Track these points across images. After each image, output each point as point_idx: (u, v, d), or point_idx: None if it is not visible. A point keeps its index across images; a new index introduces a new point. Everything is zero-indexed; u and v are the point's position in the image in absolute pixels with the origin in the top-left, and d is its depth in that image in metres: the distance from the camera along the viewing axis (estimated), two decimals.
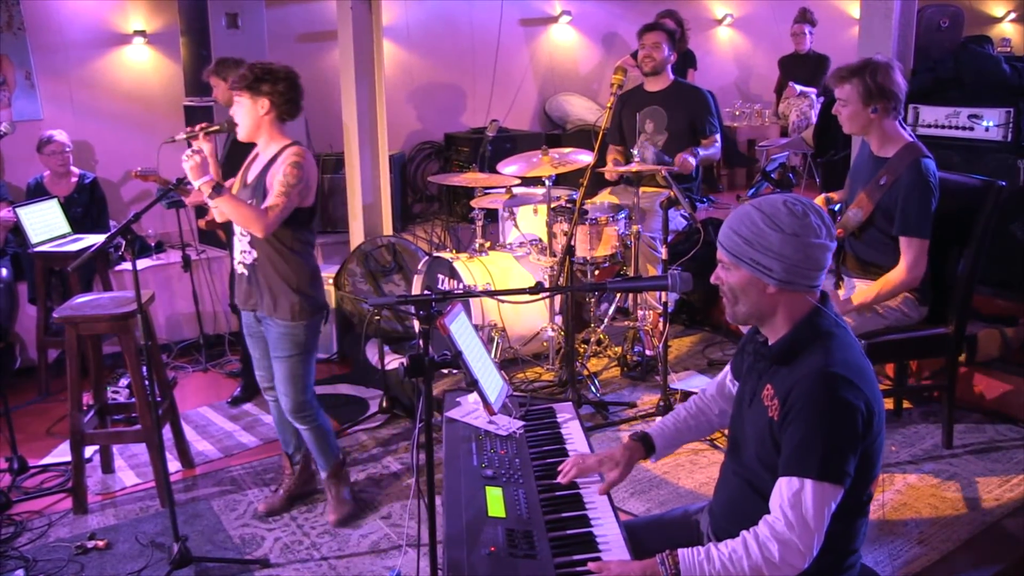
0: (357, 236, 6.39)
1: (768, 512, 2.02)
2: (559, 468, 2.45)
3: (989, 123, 4.94)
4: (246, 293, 3.73)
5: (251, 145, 3.77)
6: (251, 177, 3.65)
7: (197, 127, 3.61)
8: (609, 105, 4.69)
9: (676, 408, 2.61)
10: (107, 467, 4.50)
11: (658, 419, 2.61)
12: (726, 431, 2.60)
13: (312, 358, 3.81)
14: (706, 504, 2.50)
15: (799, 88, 8.29)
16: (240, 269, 3.72)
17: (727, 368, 2.53)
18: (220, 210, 3.56)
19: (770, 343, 2.19)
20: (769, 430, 2.09)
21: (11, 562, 3.69)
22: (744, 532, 2.03)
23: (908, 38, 4.88)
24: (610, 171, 5.41)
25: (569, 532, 2.24)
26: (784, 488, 1.99)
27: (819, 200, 3.85)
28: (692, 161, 5.26)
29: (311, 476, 4.15)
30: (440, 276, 5.27)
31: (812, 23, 8.35)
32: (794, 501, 1.96)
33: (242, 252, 3.68)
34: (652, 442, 2.52)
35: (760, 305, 2.14)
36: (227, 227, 4.78)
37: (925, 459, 4.15)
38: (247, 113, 3.59)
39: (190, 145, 3.57)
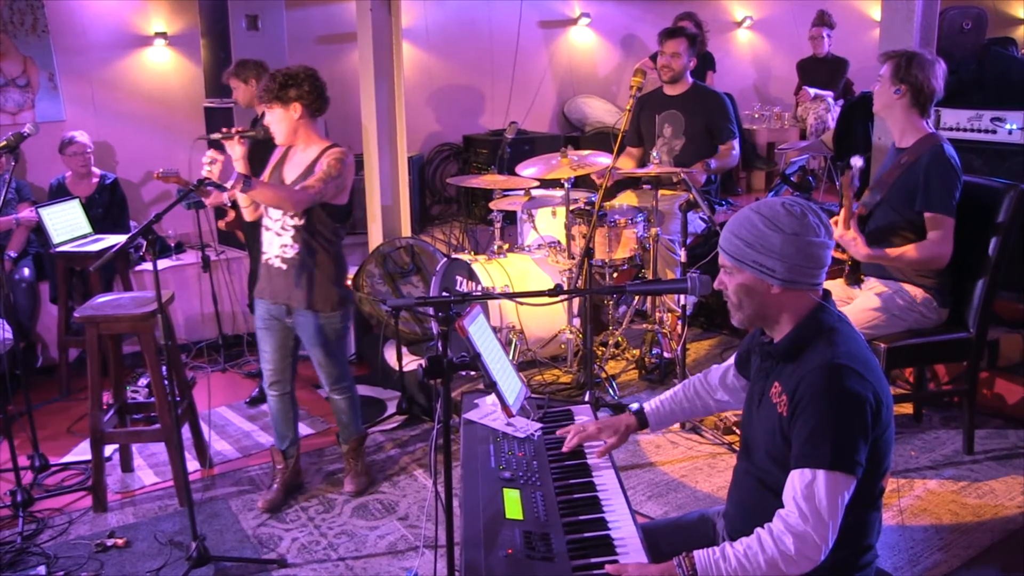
0: (376, 237, 6.40)
1: (782, 507, 2.03)
2: (560, 432, 2.61)
3: (1012, 126, 4.90)
4: (281, 287, 3.86)
5: (272, 145, 3.88)
6: (291, 177, 3.80)
7: (233, 130, 3.71)
8: (628, 108, 4.68)
9: (675, 388, 2.68)
10: (126, 466, 4.53)
11: (658, 397, 2.71)
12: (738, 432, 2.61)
13: (346, 343, 4.10)
14: (723, 507, 2.50)
15: (813, 92, 8.25)
16: (277, 264, 3.85)
17: (731, 360, 2.56)
18: (259, 200, 3.68)
19: (775, 341, 2.21)
20: (779, 426, 2.11)
21: (33, 558, 3.72)
22: (758, 528, 2.04)
23: (930, 40, 4.84)
24: (621, 172, 5.37)
25: (587, 535, 2.23)
26: (796, 480, 2.00)
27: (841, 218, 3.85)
28: (700, 179, 5.24)
29: (300, 468, 4.29)
30: (458, 278, 5.28)
31: (831, 26, 8.31)
32: (807, 493, 1.98)
33: (282, 247, 3.82)
34: (645, 417, 2.65)
35: (765, 306, 2.17)
36: (249, 228, 4.83)
37: (945, 465, 4.12)
38: (282, 121, 3.75)
39: (219, 146, 3.68)
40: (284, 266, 3.83)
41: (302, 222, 3.76)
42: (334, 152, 3.77)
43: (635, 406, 2.70)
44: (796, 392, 2.06)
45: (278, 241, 3.82)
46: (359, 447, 4.24)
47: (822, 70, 8.37)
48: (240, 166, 3.72)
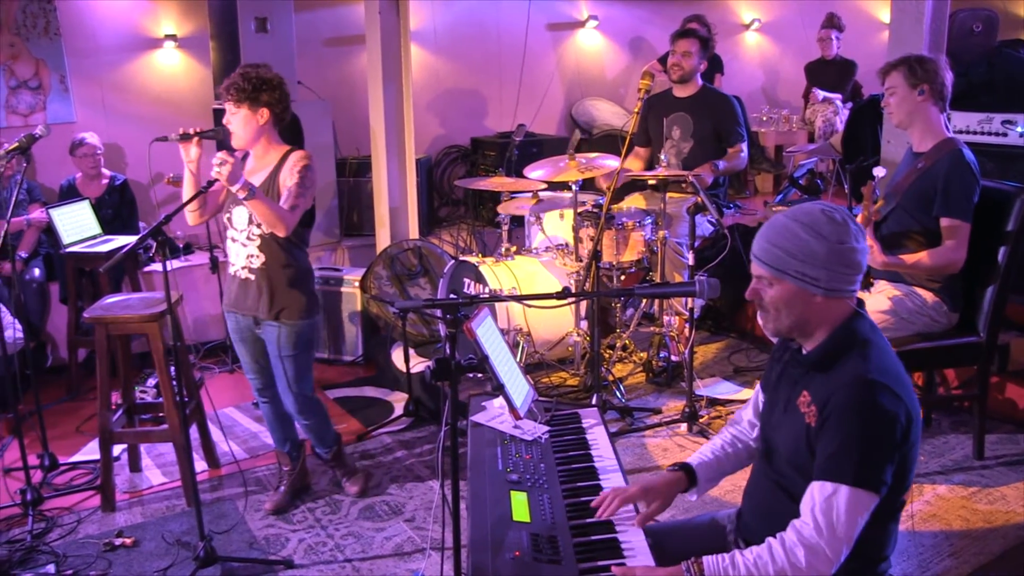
0: (383, 239, 6.41)
1: (798, 516, 2.01)
2: (593, 504, 2.34)
3: (1023, 129, 4.89)
4: (248, 298, 3.78)
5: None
6: (255, 183, 3.62)
7: (192, 130, 3.60)
8: (636, 110, 4.68)
9: (711, 439, 2.56)
10: (135, 466, 4.54)
11: (698, 449, 2.54)
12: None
13: (313, 354, 3.96)
14: (733, 511, 2.48)
15: (822, 94, 8.24)
16: (244, 275, 3.77)
17: (757, 389, 2.47)
18: (255, 212, 3.58)
19: (805, 350, 2.17)
20: (805, 436, 2.07)
21: (42, 557, 3.74)
22: (770, 538, 2.02)
23: (940, 43, 4.82)
24: (630, 175, 5.36)
25: (594, 537, 2.24)
26: (816, 492, 1.97)
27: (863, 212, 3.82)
28: (707, 181, 5.23)
29: (306, 470, 4.27)
30: (466, 280, 5.27)
31: (839, 28, 8.29)
32: (825, 506, 1.95)
33: (248, 257, 3.73)
34: (694, 473, 2.43)
35: (806, 316, 2.11)
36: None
37: (955, 470, 4.10)
38: (246, 123, 3.64)
39: (228, 146, 3.62)
40: (252, 276, 3.74)
41: (268, 231, 3.65)
42: (299, 160, 3.67)
43: (679, 462, 2.50)
44: (827, 404, 2.01)
45: (244, 252, 3.74)
46: (340, 451, 4.23)
47: (830, 72, 8.36)
48: (191, 169, 3.64)
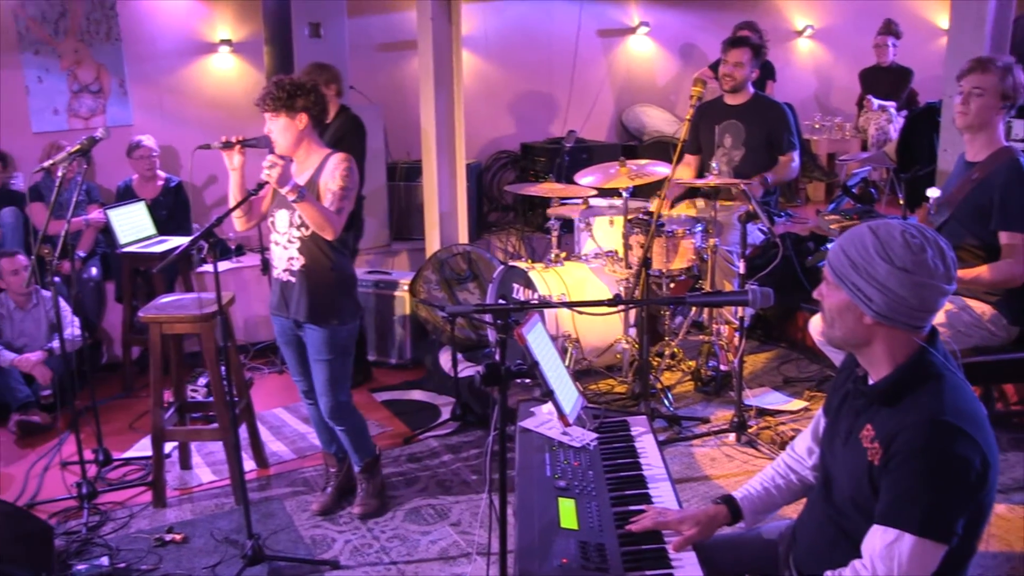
0: (433, 244, 6.44)
1: (858, 556, 1.91)
2: (633, 519, 2.30)
3: None
4: (290, 301, 3.80)
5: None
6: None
7: (234, 138, 3.64)
8: (688, 117, 4.64)
9: (763, 469, 2.47)
10: (185, 463, 4.60)
11: (747, 482, 2.46)
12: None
13: (351, 360, 3.94)
14: (783, 528, 2.41)
15: (876, 102, 8.12)
16: (285, 277, 3.79)
17: (818, 414, 2.37)
18: (303, 214, 3.61)
19: (871, 380, 2.06)
20: (867, 474, 1.95)
21: (97, 549, 3.82)
22: (828, 573, 1.95)
23: (1002, 47, 4.68)
24: (679, 182, 5.32)
25: (642, 547, 2.22)
26: (878, 537, 1.87)
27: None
28: (757, 193, 5.16)
29: (353, 473, 4.23)
30: (515, 285, 5.28)
31: (896, 35, 8.17)
32: (886, 553, 1.84)
33: (289, 260, 3.75)
34: (738, 507, 2.36)
35: (855, 333, 2.02)
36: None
37: (1015, 489, 3.98)
38: (285, 130, 3.66)
39: (225, 152, 3.66)
40: (293, 279, 3.75)
41: (308, 233, 3.67)
42: (340, 162, 3.69)
43: (723, 495, 2.43)
44: (893, 443, 1.88)
45: (285, 254, 3.75)
46: (372, 468, 4.12)
47: (885, 79, 8.24)
48: (236, 176, 3.67)
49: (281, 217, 3.75)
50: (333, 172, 3.67)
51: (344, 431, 3.99)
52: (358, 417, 4.05)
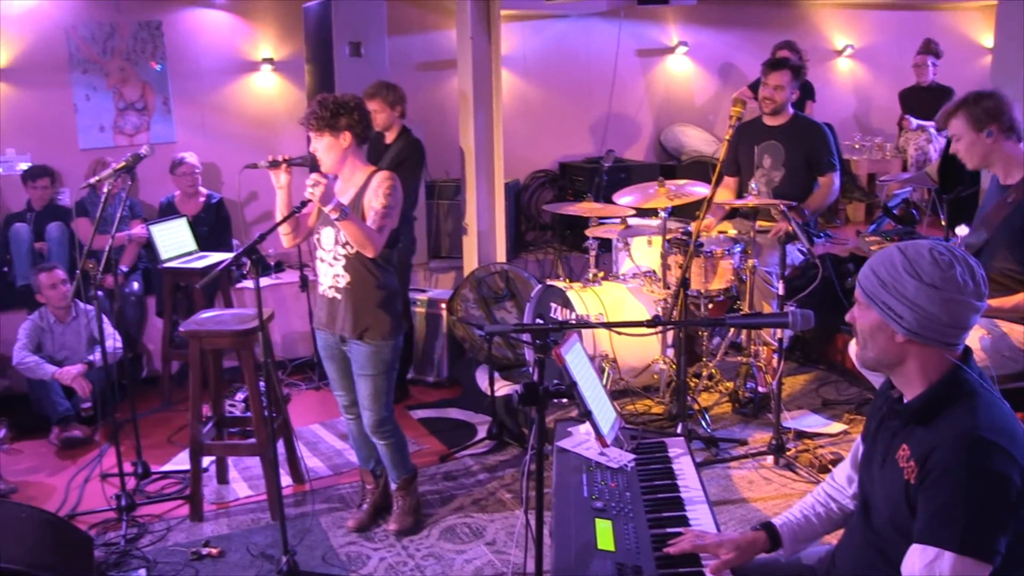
0: (471, 262, 6.45)
1: None
2: (670, 542, 2.29)
3: None
4: (335, 317, 3.83)
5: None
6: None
7: (280, 157, 3.67)
8: (727, 137, 4.62)
9: (804, 497, 2.45)
10: (222, 478, 4.64)
11: (787, 510, 2.43)
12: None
13: (395, 375, 3.96)
14: (822, 554, 2.38)
15: (915, 122, 8.02)
16: (331, 294, 3.82)
17: (857, 441, 2.34)
18: (346, 232, 3.63)
19: (905, 399, 2.05)
20: (904, 494, 1.93)
21: (134, 561, 3.86)
22: None
23: None
24: (721, 202, 5.30)
25: (680, 570, 2.20)
26: (917, 557, 1.84)
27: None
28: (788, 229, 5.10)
29: (389, 491, 4.24)
30: (553, 305, 5.26)
31: (936, 55, 8.08)
32: (927, 573, 1.82)
33: (335, 277, 3.78)
34: (778, 534, 2.34)
35: (888, 352, 2.02)
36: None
37: None
38: (330, 149, 3.69)
39: (272, 171, 3.68)
40: (339, 296, 3.79)
41: (354, 250, 3.69)
42: (384, 180, 3.72)
43: (763, 521, 2.40)
44: (928, 460, 1.87)
45: (331, 271, 3.79)
46: (409, 485, 4.14)
47: (925, 99, 8.13)
48: (283, 195, 3.71)
49: (327, 235, 3.78)
50: (376, 190, 3.70)
51: (385, 446, 4.01)
52: (399, 433, 4.08)
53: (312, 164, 3.70)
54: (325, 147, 3.69)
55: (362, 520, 4.12)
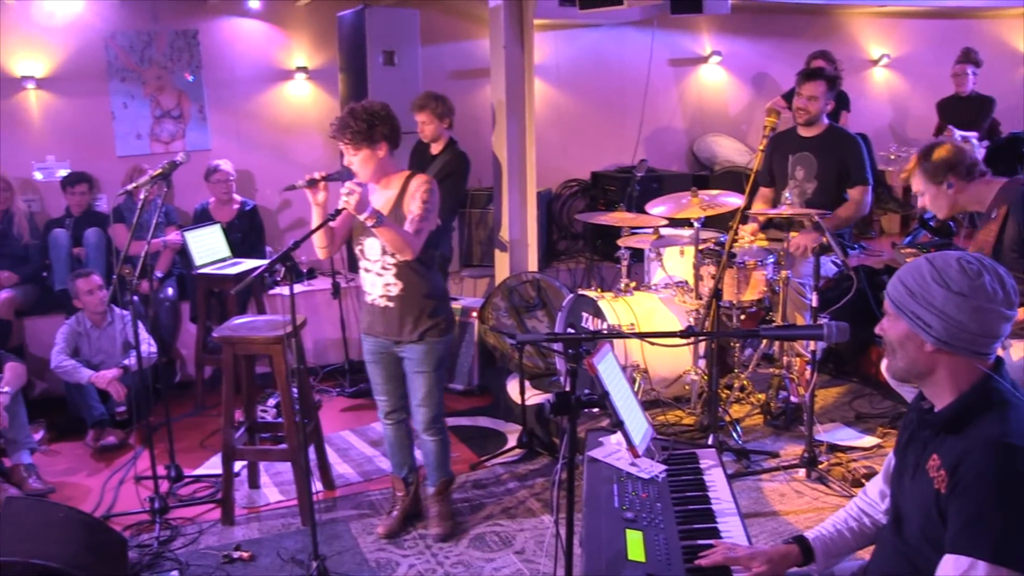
0: (503, 271, 6.46)
1: None
2: (702, 554, 2.28)
3: None
4: (389, 323, 3.86)
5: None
6: (383, 211, 3.69)
7: (317, 175, 3.67)
8: (761, 148, 4.60)
9: (836, 512, 2.44)
10: (253, 482, 4.67)
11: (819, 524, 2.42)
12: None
13: (445, 373, 4.05)
14: (855, 569, 2.36)
15: (959, 133, 7.92)
16: (383, 303, 3.84)
17: (890, 455, 2.32)
18: (382, 238, 3.67)
19: (935, 409, 2.04)
20: (935, 504, 1.92)
21: (167, 563, 3.90)
22: None
23: None
24: (752, 213, 5.27)
25: None
26: (951, 566, 1.83)
27: None
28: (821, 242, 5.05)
29: (420, 496, 4.28)
30: (584, 314, 5.26)
31: (976, 63, 7.97)
32: None
33: (385, 286, 3.81)
34: (810, 547, 2.32)
35: (917, 362, 2.02)
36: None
37: None
38: (367, 162, 3.72)
39: (309, 190, 3.68)
40: (391, 304, 3.83)
41: (403, 257, 3.75)
42: (421, 183, 3.75)
43: (795, 535, 2.39)
44: (958, 469, 1.86)
45: (381, 281, 3.82)
46: (447, 489, 4.20)
47: (965, 109, 8.03)
48: (319, 211, 3.71)
49: (372, 245, 3.80)
50: (414, 194, 3.74)
51: (435, 442, 4.07)
52: (447, 433, 4.14)
53: (348, 178, 3.71)
54: (362, 160, 3.71)
55: (392, 527, 4.13)
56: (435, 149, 5.50)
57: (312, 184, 3.67)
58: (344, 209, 3.54)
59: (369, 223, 3.55)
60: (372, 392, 4.15)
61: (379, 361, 4.00)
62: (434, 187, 3.78)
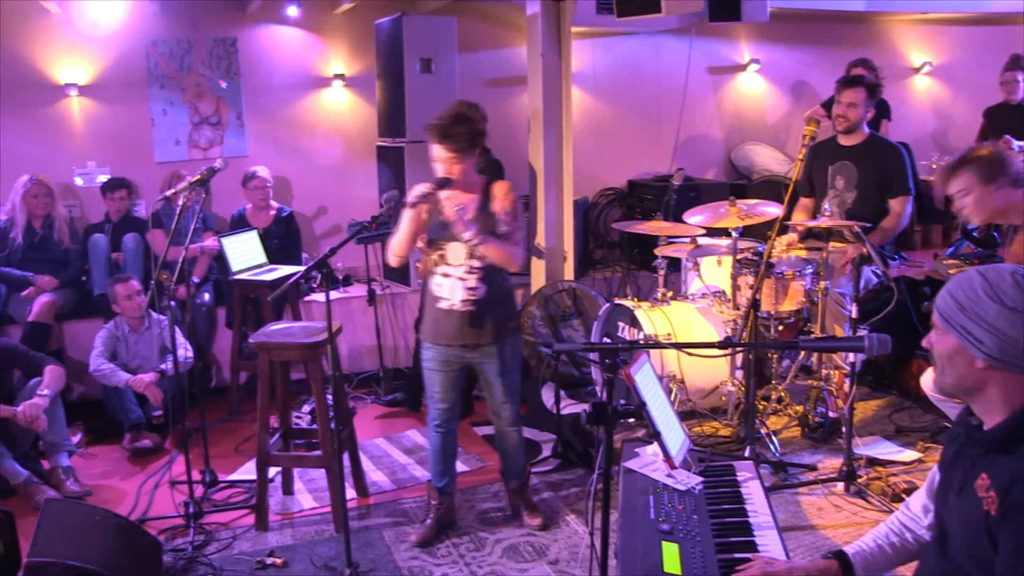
0: (538, 279, 6.43)
1: None
2: (739, 568, 2.26)
3: None
4: (468, 329, 3.87)
5: None
6: (468, 218, 3.72)
7: (427, 188, 3.71)
8: (800, 157, 4.54)
9: (877, 526, 2.40)
10: (287, 488, 4.67)
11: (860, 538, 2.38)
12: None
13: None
14: None
15: (1017, 143, 7.76)
16: (465, 308, 3.85)
17: (934, 469, 2.28)
18: (488, 255, 3.74)
19: (985, 427, 1.99)
20: (984, 525, 1.87)
21: (201, 568, 3.92)
22: None
23: None
24: (792, 223, 5.21)
25: None
26: None
27: None
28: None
29: (454, 505, 4.29)
30: (621, 324, 5.23)
31: None
32: None
33: (468, 290, 3.83)
34: (850, 563, 2.28)
35: (967, 379, 1.96)
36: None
37: None
38: (468, 168, 3.78)
39: (424, 202, 3.74)
40: (473, 308, 3.83)
41: (487, 262, 3.80)
42: (510, 190, 3.83)
43: (834, 549, 2.37)
44: (1010, 491, 1.82)
45: (462, 285, 3.83)
46: (526, 482, 4.30)
47: (1014, 118, 7.85)
48: (414, 221, 3.77)
49: (455, 250, 3.81)
50: (503, 201, 3.79)
51: (519, 433, 4.20)
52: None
53: (445, 187, 3.74)
54: (465, 167, 3.76)
55: (425, 535, 4.11)
56: None
57: (425, 200, 3.73)
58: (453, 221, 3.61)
59: (474, 242, 3.64)
60: (427, 400, 4.16)
61: (445, 370, 4.01)
62: (518, 195, 3.86)
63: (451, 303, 3.86)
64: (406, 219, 3.79)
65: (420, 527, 4.18)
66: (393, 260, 3.97)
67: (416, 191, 3.73)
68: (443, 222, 3.77)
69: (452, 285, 3.83)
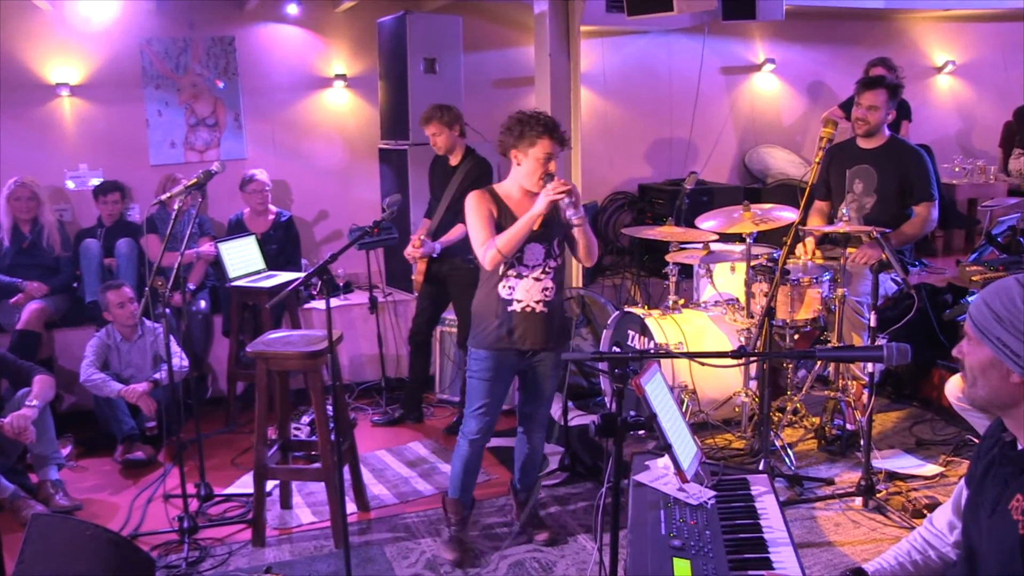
0: None
1: None
2: None
3: None
4: (539, 331, 3.83)
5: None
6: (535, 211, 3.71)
7: (565, 183, 3.70)
8: (817, 160, 4.40)
9: (899, 542, 2.33)
10: (285, 503, 4.57)
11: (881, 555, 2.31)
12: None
13: None
14: None
15: None
16: (538, 308, 3.82)
17: (960, 485, 2.20)
18: (583, 240, 3.80)
19: (1020, 446, 1.89)
20: (1020, 547, 1.79)
21: None
22: None
23: None
24: (809, 228, 5.07)
25: None
26: None
27: None
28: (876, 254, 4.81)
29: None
30: (630, 332, 5.18)
31: None
32: None
33: (543, 291, 3.82)
34: None
35: (1001, 393, 1.86)
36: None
37: None
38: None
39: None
40: (546, 310, 3.80)
41: (561, 262, 3.84)
42: (563, 183, 3.81)
43: (853, 567, 2.34)
44: None
45: (539, 286, 3.78)
46: (537, 495, 4.24)
47: None
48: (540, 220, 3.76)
49: (535, 251, 3.77)
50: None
51: (542, 440, 4.15)
52: None
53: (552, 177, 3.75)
54: (522, 168, 3.77)
55: (461, 554, 3.97)
56: (454, 160, 5.38)
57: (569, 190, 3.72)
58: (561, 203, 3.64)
59: (576, 221, 3.65)
60: (465, 411, 3.97)
61: (503, 379, 3.91)
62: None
63: (524, 304, 3.79)
64: (537, 213, 3.67)
65: (453, 545, 4.00)
66: (497, 261, 3.74)
67: (557, 184, 3.65)
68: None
69: (528, 286, 3.78)
